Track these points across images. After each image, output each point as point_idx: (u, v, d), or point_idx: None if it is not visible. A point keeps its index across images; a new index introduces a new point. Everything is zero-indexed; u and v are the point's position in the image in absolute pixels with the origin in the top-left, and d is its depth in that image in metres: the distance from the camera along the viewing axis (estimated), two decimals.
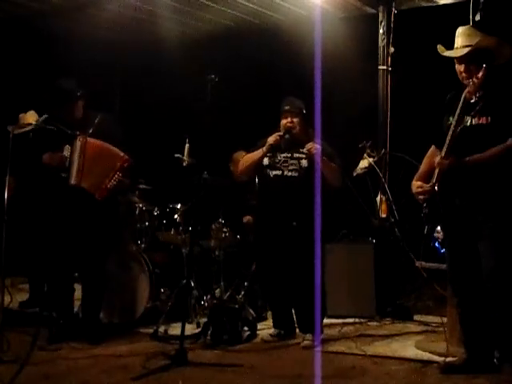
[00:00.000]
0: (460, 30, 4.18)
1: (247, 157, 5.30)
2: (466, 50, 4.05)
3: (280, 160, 5.09)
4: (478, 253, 4.05)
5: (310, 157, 5.01)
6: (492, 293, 4.03)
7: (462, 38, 4.13)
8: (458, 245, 4.16)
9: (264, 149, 5.09)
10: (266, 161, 5.13)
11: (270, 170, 5.11)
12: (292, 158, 5.07)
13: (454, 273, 4.23)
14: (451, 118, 4.08)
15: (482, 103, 4.04)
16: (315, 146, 4.96)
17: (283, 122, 5.11)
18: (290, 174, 5.05)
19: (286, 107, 5.11)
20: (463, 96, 4.02)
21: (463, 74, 4.08)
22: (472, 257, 4.08)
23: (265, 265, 5.23)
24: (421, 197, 4.16)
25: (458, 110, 4.01)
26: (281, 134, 5.08)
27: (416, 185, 4.21)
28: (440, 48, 4.19)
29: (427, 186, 4.12)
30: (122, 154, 5.09)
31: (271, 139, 5.07)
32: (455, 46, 4.16)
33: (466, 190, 4.04)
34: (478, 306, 4.14)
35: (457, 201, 4.07)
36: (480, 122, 4.02)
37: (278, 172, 5.08)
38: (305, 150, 5.01)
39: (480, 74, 3.98)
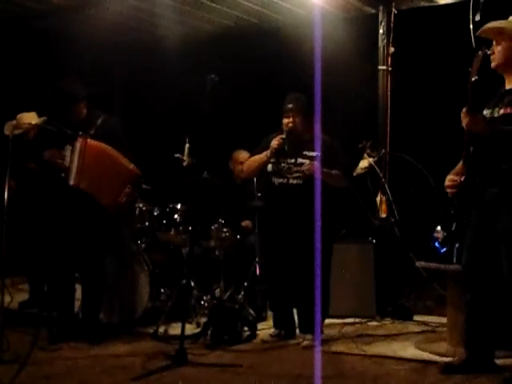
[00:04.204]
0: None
1: (251, 160, 5.25)
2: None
3: (284, 167, 5.02)
4: (500, 252, 4.02)
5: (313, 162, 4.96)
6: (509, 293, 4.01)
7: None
8: (482, 241, 4.12)
9: (268, 153, 5.02)
10: (269, 167, 5.07)
11: (275, 177, 5.06)
12: (296, 164, 5.00)
13: (472, 269, 4.18)
14: (485, 111, 4.12)
15: (510, 94, 4.06)
16: (312, 168, 4.90)
17: (285, 121, 5.04)
18: (294, 181, 5.00)
19: (289, 105, 5.04)
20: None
21: (491, 57, 4.11)
22: (493, 255, 4.05)
23: (270, 266, 5.21)
24: (449, 190, 4.14)
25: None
26: (283, 136, 5.00)
27: (448, 178, 4.18)
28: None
29: (459, 179, 4.09)
30: (131, 166, 5.10)
31: (274, 143, 4.98)
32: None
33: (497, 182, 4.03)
34: (489, 306, 4.13)
35: (490, 191, 4.04)
36: (506, 112, 4.02)
37: (283, 180, 5.03)
38: (304, 168, 4.93)
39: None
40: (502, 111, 4.04)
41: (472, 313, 4.22)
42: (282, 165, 5.04)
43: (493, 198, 4.02)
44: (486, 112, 4.12)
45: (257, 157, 5.17)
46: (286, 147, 5.00)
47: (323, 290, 4.94)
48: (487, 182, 4.04)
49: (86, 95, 5.12)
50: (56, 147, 5.04)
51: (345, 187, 5.17)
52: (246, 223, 6.21)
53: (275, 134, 5.11)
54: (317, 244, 4.80)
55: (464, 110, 3.96)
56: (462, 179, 4.08)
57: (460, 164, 4.19)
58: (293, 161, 5.03)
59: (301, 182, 4.98)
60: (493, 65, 4.10)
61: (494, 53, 4.08)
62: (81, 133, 5.03)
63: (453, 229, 4.17)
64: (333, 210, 5.05)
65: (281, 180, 5.05)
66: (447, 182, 4.18)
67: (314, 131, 5.10)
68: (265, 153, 5.06)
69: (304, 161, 4.98)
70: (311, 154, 5.00)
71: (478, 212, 4.12)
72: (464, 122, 3.96)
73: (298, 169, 4.99)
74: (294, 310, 5.27)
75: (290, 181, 5.02)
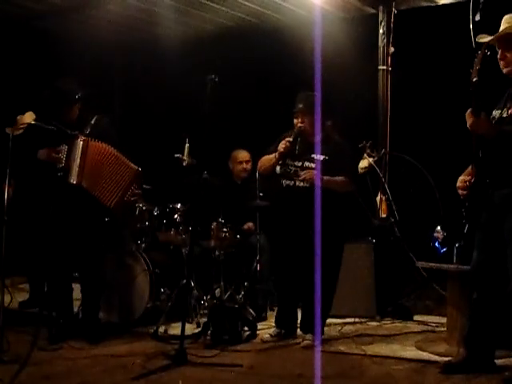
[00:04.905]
0: (506, 17, 4.15)
1: (264, 159, 5.23)
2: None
3: (291, 170, 5.02)
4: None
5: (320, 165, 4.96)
6: None
7: (503, 25, 4.10)
8: (490, 241, 4.12)
9: (277, 155, 5.02)
10: (278, 169, 5.08)
11: (283, 179, 5.07)
12: (303, 167, 5.00)
13: (481, 269, 4.17)
14: (494, 112, 4.11)
15: None
16: (310, 177, 4.91)
17: (294, 121, 5.07)
18: (301, 184, 4.99)
19: (298, 106, 5.05)
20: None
21: (501, 62, 4.07)
22: (501, 256, 4.04)
23: (279, 266, 5.22)
24: (460, 192, 4.12)
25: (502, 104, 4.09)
26: (290, 139, 4.99)
27: (459, 179, 4.17)
28: (480, 37, 4.13)
29: (469, 180, 4.07)
30: (134, 166, 5.11)
31: (281, 147, 4.99)
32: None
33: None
34: (494, 306, 4.12)
35: (499, 193, 4.03)
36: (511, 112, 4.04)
37: (290, 182, 5.04)
38: (301, 178, 4.96)
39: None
40: (510, 111, 4.03)
41: (476, 312, 4.21)
42: (290, 167, 5.04)
43: (502, 199, 4.01)
44: (495, 112, 4.11)
45: (267, 157, 5.18)
46: (297, 147, 5.00)
47: (329, 290, 4.98)
48: (497, 184, 4.03)
49: (83, 96, 5.12)
50: (50, 146, 5.03)
51: (352, 191, 5.17)
52: (248, 226, 6.21)
53: (289, 132, 5.11)
54: (317, 245, 4.80)
55: (468, 111, 3.95)
56: (472, 180, 4.07)
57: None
58: (300, 164, 5.03)
59: (307, 185, 4.97)
60: (505, 71, 4.07)
61: (504, 57, 4.02)
62: (76, 132, 5.03)
63: (465, 231, 4.16)
64: (341, 212, 5.05)
65: (288, 182, 5.05)
66: (458, 184, 4.16)
67: (326, 132, 5.10)
68: (274, 154, 5.07)
69: (311, 165, 4.99)
70: (319, 157, 5.00)
71: (488, 213, 4.11)
72: (468, 123, 3.95)
73: (305, 172, 4.98)
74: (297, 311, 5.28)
75: (297, 183, 5.02)
